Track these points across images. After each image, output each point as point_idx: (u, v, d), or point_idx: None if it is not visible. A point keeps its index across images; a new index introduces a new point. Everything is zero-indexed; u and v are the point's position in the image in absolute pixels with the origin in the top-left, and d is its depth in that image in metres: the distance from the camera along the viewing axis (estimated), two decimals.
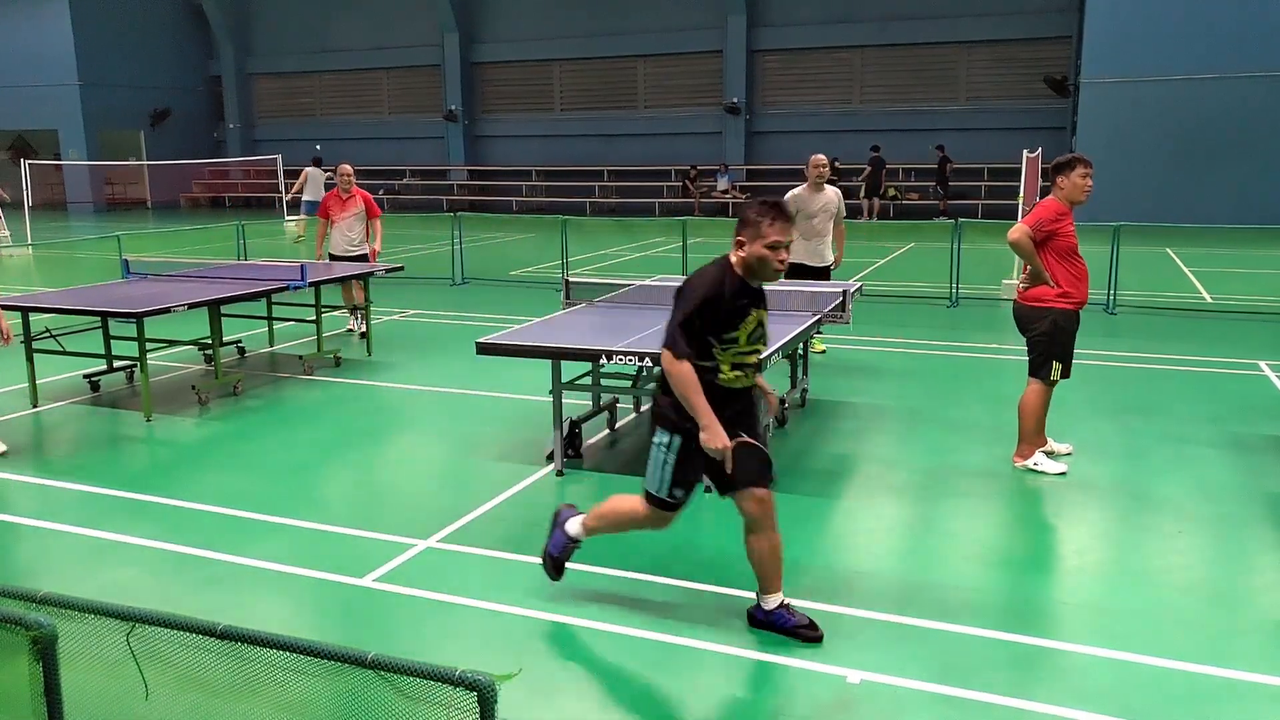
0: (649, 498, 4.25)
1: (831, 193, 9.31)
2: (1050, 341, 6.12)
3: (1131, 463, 6.53)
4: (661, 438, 4.15)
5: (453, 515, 5.61)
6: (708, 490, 5.84)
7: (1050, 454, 6.41)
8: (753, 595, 4.30)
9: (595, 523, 4.47)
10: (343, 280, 10.40)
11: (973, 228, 17.80)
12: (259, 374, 9.33)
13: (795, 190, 9.27)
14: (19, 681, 2.29)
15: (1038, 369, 6.21)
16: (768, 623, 4.21)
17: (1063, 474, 6.19)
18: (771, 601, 4.22)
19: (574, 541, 4.51)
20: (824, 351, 9.76)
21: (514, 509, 5.75)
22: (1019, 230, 6.05)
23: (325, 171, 21.26)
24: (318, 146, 28.96)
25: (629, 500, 4.42)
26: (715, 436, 3.94)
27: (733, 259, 4.06)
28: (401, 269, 11.92)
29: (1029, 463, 6.29)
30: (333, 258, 11.00)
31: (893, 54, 29.00)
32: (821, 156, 9.41)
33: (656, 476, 4.18)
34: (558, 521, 4.57)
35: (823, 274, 9.14)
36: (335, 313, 11.62)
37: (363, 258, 10.98)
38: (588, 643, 4.22)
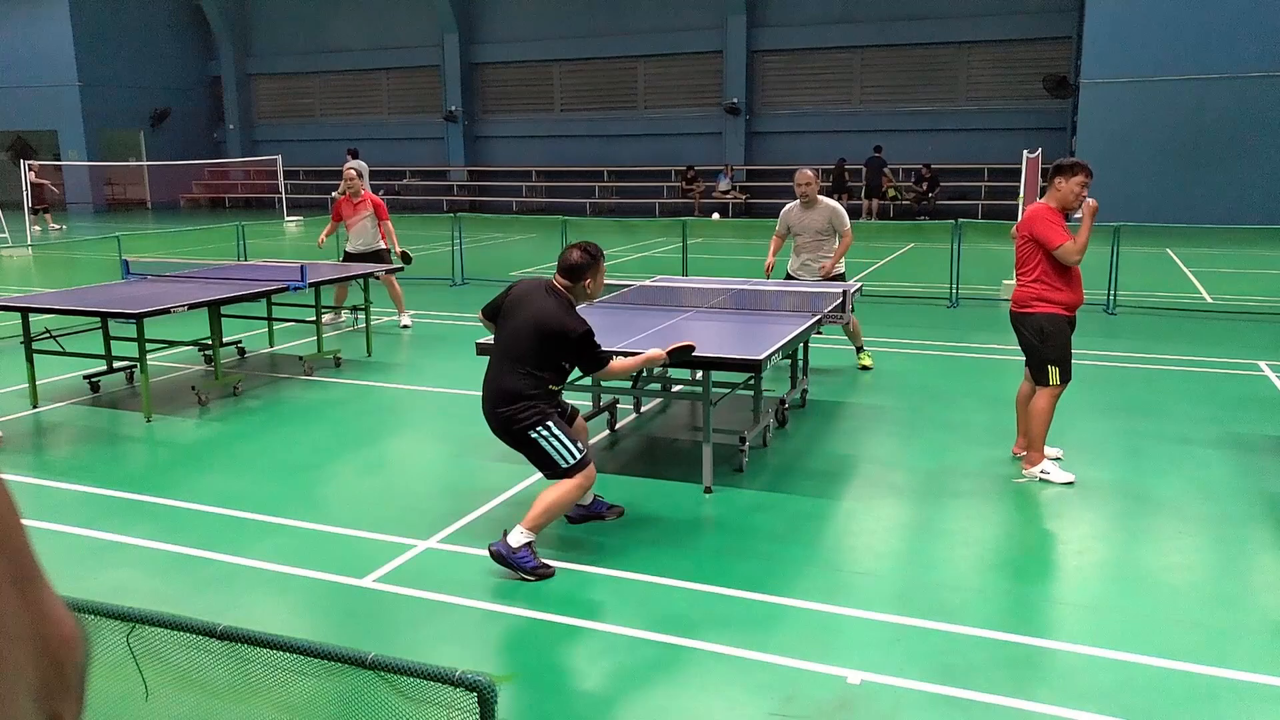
0: None
1: (825, 210, 8.63)
2: (1040, 346, 6.06)
3: (1131, 463, 6.53)
4: None
5: (453, 516, 5.62)
6: (708, 491, 5.85)
7: (1055, 459, 6.32)
8: (754, 596, 4.30)
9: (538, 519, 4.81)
10: (339, 281, 10.47)
11: (972, 228, 17.79)
12: (259, 374, 9.33)
13: (787, 206, 8.94)
14: None
15: (1037, 375, 6.16)
16: None
17: (1070, 483, 6.05)
18: None
19: (528, 545, 4.77)
20: (870, 367, 9.11)
21: (514, 510, 5.73)
22: (1065, 250, 5.86)
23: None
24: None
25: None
26: None
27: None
28: (402, 269, 11.92)
29: (1037, 470, 6.15)
30: (348, 256, 11.40)
31: (893, 54, 28.97)
32: (807, 172, 8.67)
33: None
34: (508, 556, 4.75)
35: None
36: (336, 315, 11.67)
37: (378, 254, 11.29)
38: (588, 643, 4.22)
